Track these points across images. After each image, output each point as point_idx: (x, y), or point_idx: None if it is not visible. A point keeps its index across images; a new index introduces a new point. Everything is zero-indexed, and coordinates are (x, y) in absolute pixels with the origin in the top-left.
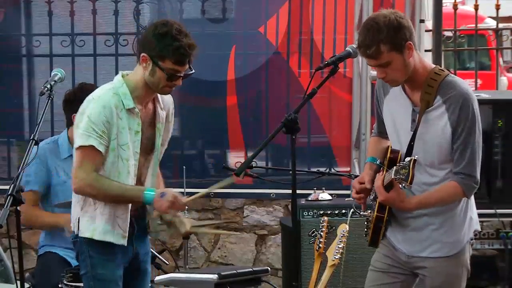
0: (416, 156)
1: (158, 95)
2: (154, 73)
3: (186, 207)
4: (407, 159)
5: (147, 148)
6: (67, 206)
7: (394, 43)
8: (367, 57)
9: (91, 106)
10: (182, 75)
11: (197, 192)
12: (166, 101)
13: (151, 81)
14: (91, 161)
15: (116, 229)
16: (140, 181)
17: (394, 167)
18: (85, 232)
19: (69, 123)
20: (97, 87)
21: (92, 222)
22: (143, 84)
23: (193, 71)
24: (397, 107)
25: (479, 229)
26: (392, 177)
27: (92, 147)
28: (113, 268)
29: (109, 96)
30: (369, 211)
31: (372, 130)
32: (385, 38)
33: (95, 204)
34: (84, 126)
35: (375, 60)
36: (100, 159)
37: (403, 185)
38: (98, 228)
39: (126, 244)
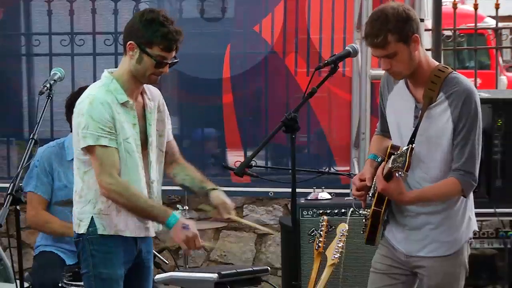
0: (414, 145)
1: (145, 87)
2: (141, 61)
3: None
4: (405, 147)
5: (142, 140)
6: (67, 204)
7: (401, 34)
8: (374, 47)
9: (87, 107)
10: (169, 62)
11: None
12: (154, 93)
13: (138, 70)
14: (110, 163)
15: (141, 221)
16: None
17: (392, 156)
18: (108, 230)
19: None
20: None
21: (111, 220)
22: (130, 76)
23: (178, 59)
24: (400, 103)
25: (477, 229)
26: (390, 166)
27: (105, 147)
28: (115, 267)
29: (103, 93)
30: (368, 210)
31: (375, 129)
32: (393, 28)
33: (108, 200)
34: (90, 127)
35: (382, 49)
36: (117, 158)
37: (400, 173)
38: (119, 224)
39: (148, 235)
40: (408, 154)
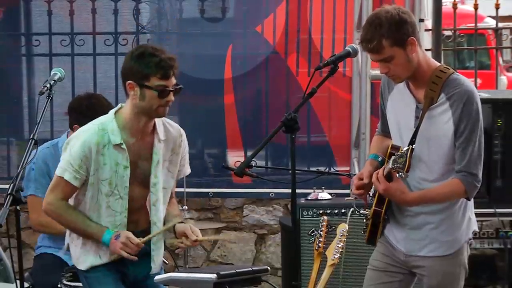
0: (414, 146)
1: (157, 127)
2: (144, 96)
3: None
4: (405, 148)
5: (143, 181)
6: None
7: (395, 38)
8: (369, 52)
9: (73, 141)
10: (172, 89)
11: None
12: (172, 134)
13: (143, 107)
14: (61, 190)
15: (103, 257)
16: (137, 214)
17: (392, 157)
18: (80, 265)
19: (71, 127)
20: (103, 98)
21: (83, 253)
22: (135, 115)
23: (181, 85)
24: (401, 104)
25: (477, 230)
26: (390, 166)
27: (64, 180)
28: (110, 282)
29: (92, 132)
30: (369, 210)
31: (376, 129)
32: (387, 33)
33: None
34: (64, 159)
35: (377, 54)
36: (72, 191)
37: (400, 173)
38: (88, 260)
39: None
40: (408, 155)
